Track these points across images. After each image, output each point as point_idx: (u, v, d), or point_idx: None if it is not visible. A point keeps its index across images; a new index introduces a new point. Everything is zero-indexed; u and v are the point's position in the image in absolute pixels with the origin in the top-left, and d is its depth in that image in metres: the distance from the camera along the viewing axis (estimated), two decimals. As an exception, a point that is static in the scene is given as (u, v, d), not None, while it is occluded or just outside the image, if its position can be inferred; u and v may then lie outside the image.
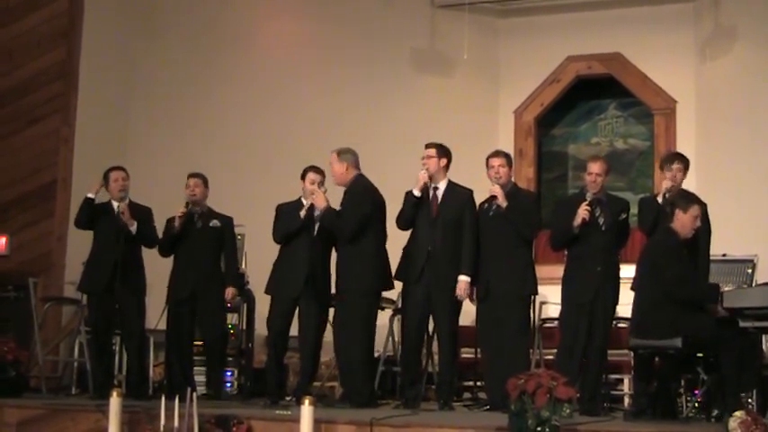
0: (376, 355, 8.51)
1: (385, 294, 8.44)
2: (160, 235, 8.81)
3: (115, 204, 8.55)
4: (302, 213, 8.09)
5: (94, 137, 10.92)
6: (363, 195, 7.94)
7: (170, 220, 8.71)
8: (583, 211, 7.50)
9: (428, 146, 8.01)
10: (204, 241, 8.69)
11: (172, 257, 8.85)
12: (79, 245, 9.55)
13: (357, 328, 7.86)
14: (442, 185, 7.93)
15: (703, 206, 7.42)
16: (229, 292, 8.71)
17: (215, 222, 8.73)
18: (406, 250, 7.99)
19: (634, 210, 8.13)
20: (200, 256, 8.65)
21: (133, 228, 8.49)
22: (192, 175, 8.76)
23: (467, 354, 8.56)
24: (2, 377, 7.98)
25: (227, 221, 8.84)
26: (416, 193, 7.83)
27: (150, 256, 8.83)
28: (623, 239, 7.88)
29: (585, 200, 7.58)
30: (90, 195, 8.46)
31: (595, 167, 7.70)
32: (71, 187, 10.69)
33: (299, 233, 8.14)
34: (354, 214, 7.87)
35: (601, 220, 7.61)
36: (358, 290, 7.86)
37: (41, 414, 7.22)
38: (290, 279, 8.11)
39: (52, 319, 10.22)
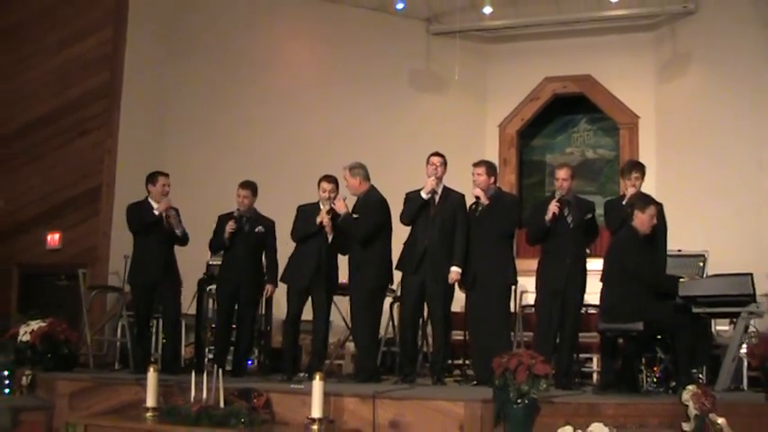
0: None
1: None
2: (190, 232, 8.77)
3: (154, 204, 8.50)
4: (318, 220, 8.06)
5: (134, 147, 10.91)
6: (378, 206, 7.95)
7: (221, 218, 8.65)
8: (553, 207, 7.54)
9: (438, 155, 7.96)
10: (249, 244, 8.60)
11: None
12: (121, 240, 9.57)
13: (364, 316, 7.88)
14: (438, 189, 7.90)
15: (659, 205, 7.44)
16: (268, 289, 8.69)
17: (260, 228, 8.64)
18: (406, 244, 8.00)
19: (600, 210, 8.16)
20: (244, 256, 8.58)
21: (179, 231, 8.50)
22: (242, 186, 8.67)
23: (457, 336, 8.56)
24: (56, 354, 7.97)
25: (270, 226, 8.75)
26: (425, 196, 7.80)
27: (179, 252, 8.78)
28: (591, 236, 7.90)
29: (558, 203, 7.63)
30: (156, 212, 8.41)
31: (561, 173, 7.73)
32: (114, 191, 10.71)
33: (313, 235, 8.14)
34: (370, 222, 7.87)
35: (569, 219, 7.63)
36: (366, 286, 7.87)
37: (89, 386, 7.22)
38: (301, 272, 8.11)
39: (98, 305, 10.22)
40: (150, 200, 8.54)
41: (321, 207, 8.13)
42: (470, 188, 7.93)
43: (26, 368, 7.70)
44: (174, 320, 8.59)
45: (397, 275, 8.08)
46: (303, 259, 8.16)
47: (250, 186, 8.68)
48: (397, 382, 7.65)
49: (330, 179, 8.19)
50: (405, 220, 7.94)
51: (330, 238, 8.10)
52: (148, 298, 8.50)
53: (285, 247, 8.41)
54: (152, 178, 8.56)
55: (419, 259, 7.78)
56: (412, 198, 7.91)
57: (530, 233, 7.87)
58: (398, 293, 8.81)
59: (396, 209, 8.01)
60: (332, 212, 8.07)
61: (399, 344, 8.25)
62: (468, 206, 7.93)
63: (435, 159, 7.91)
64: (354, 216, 7.94)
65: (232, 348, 8.77)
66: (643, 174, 7.79)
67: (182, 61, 11.52)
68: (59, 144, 11.11)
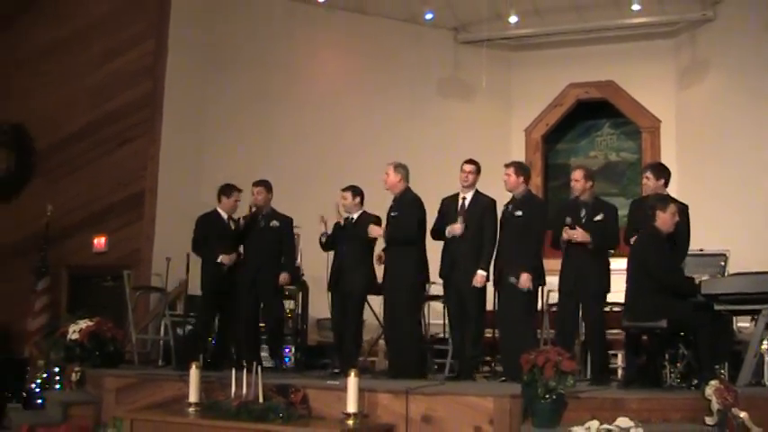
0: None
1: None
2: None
3: (223, 214, 8.57)
4: (325, 234, 8.29)
5: (176, 154, 11.02)
6: (415, 203, 7.88)
7: (238, 219, 8.70)
8: (566, 235, 7.43)
9: (471, 162, 7.87)
10: (264, 238, 8.58)
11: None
12: (163, 243, 9.64)
13: (397, 314, 7.82)
14: (469, 195, 7.84)
15: (685, 206, 7.36)
16: (282, 277, 8.57)
17: (274, 223, 8.63)
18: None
19: (624, 211, 8.07)
20: (260, 250, 8.56)
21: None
22: (255, 183, 8.67)
23: (486, 334, 8.53)
24: (103, 351, 8.04)
25: (287, 221, 8.72)
26: (448, 234, 7.76)
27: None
28: (608, 239, 7.58)
29: (576, 205, 7.56)
30: (220, 260, 8.42)
31: (575, 175, 7.66)
32: (157, 196, 10.81)
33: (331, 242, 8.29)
34: (414, 221, 7.81)
35: (584, 220, 7.52)
36: (401, 284, 7.81)
37: (134, 382, 7.28)
38: (330, 275, 8.28)
39: (142, 304, 10.32)
40: (219, 209, 8.61)
41: (340, 213, 8.28)
42: (498, 192, 7.90)
43: (75, 365, 7.81)
44: (226, 321, 8.62)
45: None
46: (332, 264, 8.30)
47: (263, 183, 8.68)
48: (429, 377, 7.65)
49: (346, 188, 8.33)
50: (434, 237, 7.92)
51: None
52: (216, 304, 8.51)
53: (320, 256, 8.46)
54: (227, 191, 8.62)
55: (450, 262, 7.76)
56: (445, 213, 7.87)
57: (552, 241, 7.74)
58: (428, 293, 8.82)
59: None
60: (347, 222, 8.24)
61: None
62: (499, 207, 7.86)
63: (467, 167, 7.84)
64: (393, 215, 7.93)
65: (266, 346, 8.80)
66: (656, 174, 7.65)
67: (221, 71, 11.60)
68: (104, 152, 11.24)
